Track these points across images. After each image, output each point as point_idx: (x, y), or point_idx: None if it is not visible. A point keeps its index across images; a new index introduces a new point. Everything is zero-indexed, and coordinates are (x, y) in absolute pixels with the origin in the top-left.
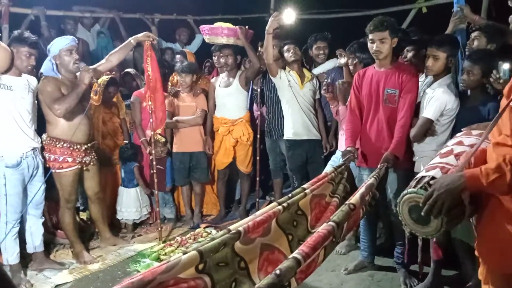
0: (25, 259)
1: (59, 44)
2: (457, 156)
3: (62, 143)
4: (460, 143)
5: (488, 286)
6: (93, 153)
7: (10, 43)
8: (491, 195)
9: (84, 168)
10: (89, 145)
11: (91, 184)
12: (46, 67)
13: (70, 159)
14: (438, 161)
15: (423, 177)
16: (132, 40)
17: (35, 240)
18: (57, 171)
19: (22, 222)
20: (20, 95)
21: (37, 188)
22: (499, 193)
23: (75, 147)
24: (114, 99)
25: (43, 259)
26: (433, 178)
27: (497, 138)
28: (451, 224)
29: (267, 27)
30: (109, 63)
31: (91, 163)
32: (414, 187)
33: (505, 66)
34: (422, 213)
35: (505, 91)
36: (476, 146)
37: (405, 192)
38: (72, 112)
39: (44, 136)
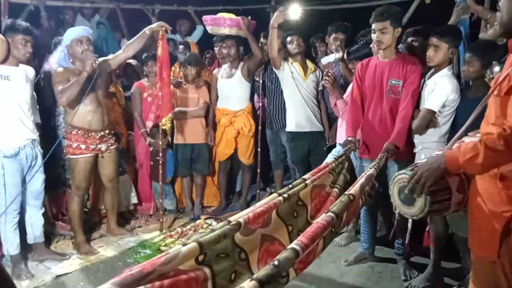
0: (26, 250)
1: (71, 34)
2: None
3: (77, 130)
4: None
5: (473, 277)
6: (111, 141)
7: (4, 32)
8: (475, 181)
9: (100, 155)
10: (106, 132)
11: (105, 172)
12: (59, 57)
13: (83, 146)
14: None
15: (417, 162)
16: (147, 30)
17: (35, 230)
18: (71, 157)
19: (22, 213)
20: (18, 85)
21: (37, 179)
22: (474, 172)
23: (90, 135)
24: (113, 89)
25: (44, 250)
26: None
27: (485, 129)
28: (437, 207)
29: (271, 21)
30: (125, 53)
31: (108, 151)
32: None
33: (497, 68)
34: (406, 191)
35: (492, 84)
36: (462, 130)
37: (396, 174)
38: (85, 100)
39: (62, 123)
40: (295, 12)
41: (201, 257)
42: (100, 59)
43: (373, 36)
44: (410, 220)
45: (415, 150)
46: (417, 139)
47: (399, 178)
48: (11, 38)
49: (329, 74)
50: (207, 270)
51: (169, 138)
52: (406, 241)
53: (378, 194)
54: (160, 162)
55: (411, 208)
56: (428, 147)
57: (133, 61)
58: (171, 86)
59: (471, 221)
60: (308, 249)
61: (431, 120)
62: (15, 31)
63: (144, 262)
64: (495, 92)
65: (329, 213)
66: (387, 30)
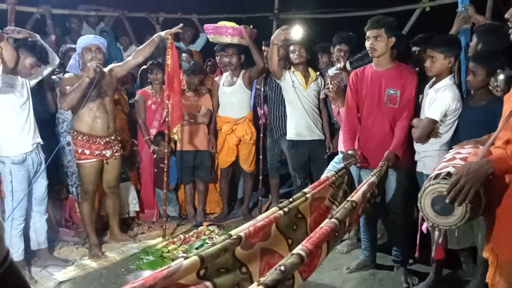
0: (29, 256)
1: (82, 43)
2: (462, 159)
3: (82, 136)
4: (458, 153)
5: (499, 279)
6: (117, 147)
7: (20, 46)
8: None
9: (104, 161)
10: (112, 138)
11: (107, 178)
12: (70, 64)
13: (87, 152)
14: (445, 164)
15: (438, 174)
16: (155, 37)
17: (39, 236)
18: (77, 161)
19: (26, 219)
20: (19, 92)
21: (40, 184)
22: None
23: (94, 140)
24: (118, 96)
25: (47, 256)
26: (448, 173)
27: (508, 136)
28: (473, 213)
29: (272, 37)
30: (135, 60)
31: (113, 157)
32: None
33: (501, 76)
34: (447, 201)
35: (505, 98)
36: (492, 137)
37: (426, 185)
38: (91, 106)
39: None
40: (297, 33)
41: (202, 272)
42: (110, 65)
43: (367, 43)
44: (437, 232)
45: (416, 158)
46: (418, 147)
47: (431, 188)
48: (24, 56)
49: (332, 83)
50: (209, 284)
51: (173, 145)
52: (432, 254)
53: (377, 202)
54: (165, 170)
55: (448, 218)
56: (429, 155)
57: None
58: None
59: (501, 224)
60: (313, 254)
61: (432, 129)
62: (32, 52)
63: (147, 275)
64: None
65: (333, 219)
66: (381, 38)
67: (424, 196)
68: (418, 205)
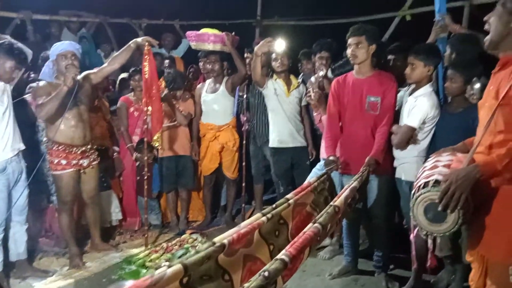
0: (8, 267)
1: (57, 49)
2: (446, 166)
3: (57, 146)
4: (438, 161)
5: (489, 282)
6: (93, 156)
7: None
8: (504, 189)
9: (81, 171)
10: (88, 147)
11: (86, 187)
12: (43, 72)
13: (64, 162)
14: (430, 173)
15: (426, 182)
16: (132, 44)
17: (18, 247)
18: (53, 172)
19: (5, 229)
20: (0, 99)
21: (21, 193)
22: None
23: (71, 150)
24: (99, 103)
25: (27, 267)
26: (437, 181)
27: (489, 141)
28: (465, 218)
29: (256, 49)
30: (111, 66)
31: (90, 166)
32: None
33: (477, 85)
34: (439, 208)
35: (479, 104)
36: (476, 143)
37: (417, 194)
38: (66, 115)
39: (45, 138)
40: (280, 46)
41: (185, 279)
42: (85, 72)
43: (349, 50)
44: (429, 240)
45: (395, 164)
46: (396, 154)
47: (423, 197)
48: (2, 60)
49: (313, 90)
50: None
51: (156, 153)
52: (429, 263)
53: (359, 208)
54: (146, 177)
55: (442, 225)
56: (408, 162)
57: (126, 75)
58: None
59: (490, 227)
60: (296, 258)
61: (411, 136)
62: (10, 55)
63: (130, 285)
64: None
65: (316, 224)
66: (362, 45)
67: (416, 205)
68: (411, 214)
